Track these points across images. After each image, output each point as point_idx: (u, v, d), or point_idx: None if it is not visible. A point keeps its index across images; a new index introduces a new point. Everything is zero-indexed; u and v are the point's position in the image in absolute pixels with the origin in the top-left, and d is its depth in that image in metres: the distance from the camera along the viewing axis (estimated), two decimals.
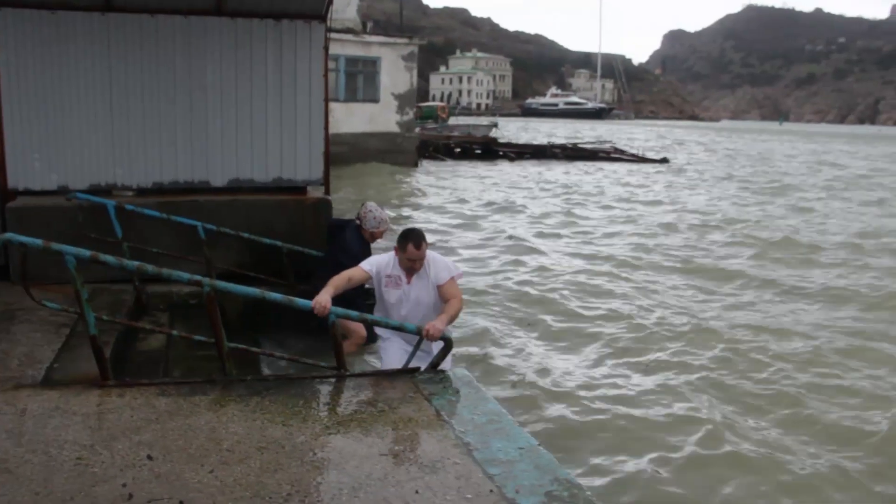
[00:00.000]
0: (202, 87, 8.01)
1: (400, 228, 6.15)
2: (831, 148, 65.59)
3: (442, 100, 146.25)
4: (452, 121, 56.59)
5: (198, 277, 4.56)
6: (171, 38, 7.86)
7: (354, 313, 4.81)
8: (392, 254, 5.58)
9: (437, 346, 5.15)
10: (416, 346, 4.94)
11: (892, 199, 24.64)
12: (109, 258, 4.48)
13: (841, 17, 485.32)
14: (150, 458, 3.50)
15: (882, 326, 9.07)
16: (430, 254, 5.56)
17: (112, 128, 7.84)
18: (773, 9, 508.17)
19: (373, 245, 7.32)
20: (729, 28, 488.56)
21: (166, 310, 7.20)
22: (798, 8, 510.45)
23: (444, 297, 5.36)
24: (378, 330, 5.85)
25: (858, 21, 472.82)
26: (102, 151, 7.85)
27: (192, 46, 7.93)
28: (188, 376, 5.47)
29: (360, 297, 6.81)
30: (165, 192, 8.05)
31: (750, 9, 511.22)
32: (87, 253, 4.40)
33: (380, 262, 5.63)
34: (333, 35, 23.48)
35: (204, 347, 5.43)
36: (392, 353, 5.56)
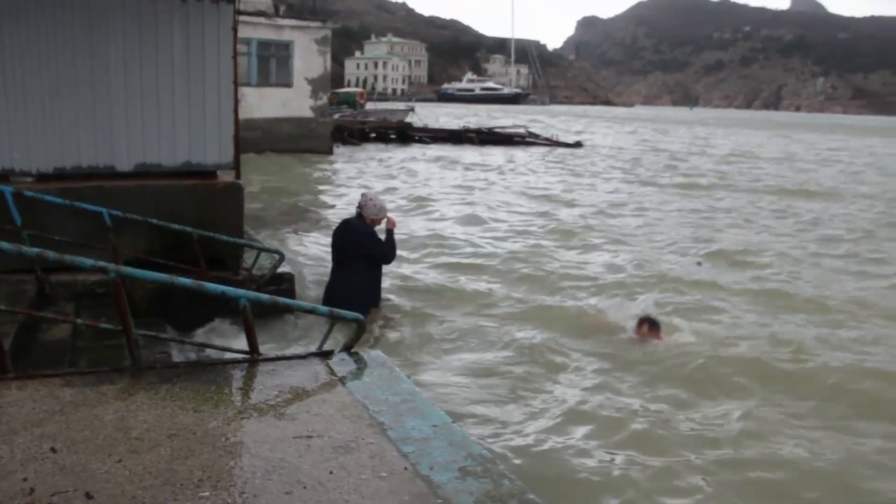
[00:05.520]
0: (105, 68, 7.72)
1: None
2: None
3: (357, 85, 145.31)
4: (370, 106, 56.20)
5: (102, 264, 4.41)
6: (69, 15, 7.55)
7: (266, 297, 4.74)
8: None
9: None
10: (329, 330, 4.92)
11: None
12: (5, 244, 4.29)
13: (745, 7, 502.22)
14: (53, 450, 3.38)
15: None
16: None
17: (7, 109, 7.47)
18: None
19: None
20: (641, 15, 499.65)
21: (71, 300, 6.95)
22: None
23: None
24: None
25: (762, 11, 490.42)
26: None
27: (93, 24, 7.62)
28: (96, 367, 5.30)
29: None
30: (68, 177, 7.74)
31: None
32: None
33: None
34: (245, 18, 23.01)
35: (112, 337, 5.28)
36: None
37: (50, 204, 7.10)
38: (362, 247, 7.80)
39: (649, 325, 7.42)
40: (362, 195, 8.16)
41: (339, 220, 8.41)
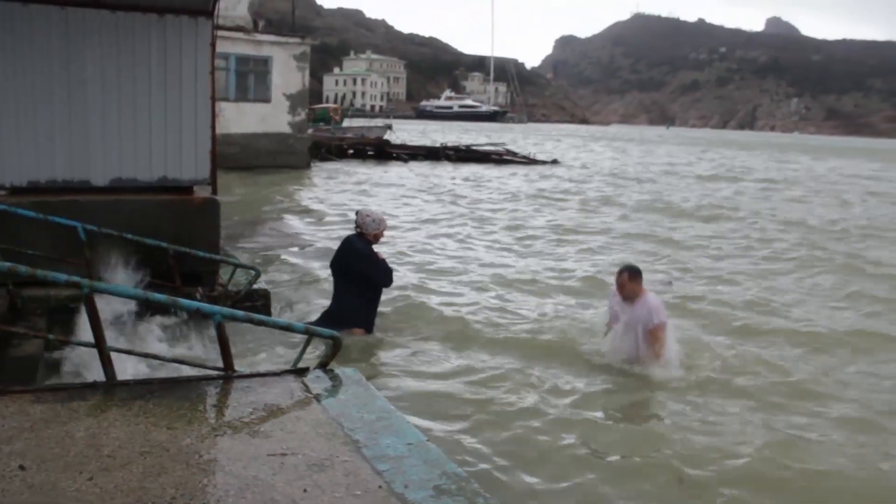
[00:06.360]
0: (81, 82, 7.68)
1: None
2: None
3: (336, 101, 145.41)
4: (347, 122, 56.21)
5: (76, 279, 4.38)
6: (46, 30, 7.51)
7: (241, 313, 4.71)
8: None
9: None
10: (304, 347, 4.91)
11: None
12: None
13: (721, 28, 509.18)
14: (22, 468, 3.33)
15: None
16: (650, 297, 6.98)
17: None
18: (659, 17, 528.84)
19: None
20: (618, 35, 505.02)
21: (44, 315, 6.87)
22: (682, 18, 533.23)
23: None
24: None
25: (737, 32, 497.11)
26: None
27: (70, 39, 7.59)
28: (67, 382, 5.24)
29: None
30: (42, 191, 7.68)
31: (638, 17, 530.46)
32: None
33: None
34: (224, 33, 22.95)
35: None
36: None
37: (23, 218, 7.02)
38: (357, 267, 7.64)
39: (629, 274, 6.96)
40: (357, 213, 7.87)
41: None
